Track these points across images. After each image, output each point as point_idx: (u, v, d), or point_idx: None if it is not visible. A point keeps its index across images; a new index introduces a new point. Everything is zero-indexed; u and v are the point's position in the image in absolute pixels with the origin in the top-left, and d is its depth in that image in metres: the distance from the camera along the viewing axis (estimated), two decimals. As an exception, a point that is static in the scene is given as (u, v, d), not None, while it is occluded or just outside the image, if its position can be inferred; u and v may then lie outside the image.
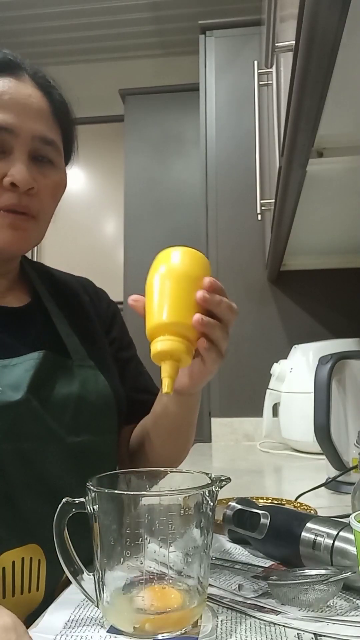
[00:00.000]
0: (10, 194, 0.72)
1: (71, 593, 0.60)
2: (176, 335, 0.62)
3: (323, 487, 1.07)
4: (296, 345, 1.80)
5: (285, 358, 1.83)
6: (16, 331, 0.78)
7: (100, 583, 0.52)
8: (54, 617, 0.55)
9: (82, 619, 0.55)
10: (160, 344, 0.62)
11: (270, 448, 1.81)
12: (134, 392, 0.91)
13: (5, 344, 0.75)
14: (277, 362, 1.85)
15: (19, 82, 0.75)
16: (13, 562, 0.65)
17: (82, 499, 0.53)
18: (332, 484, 1.09)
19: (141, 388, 0.94)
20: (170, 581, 0.52)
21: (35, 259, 3.02)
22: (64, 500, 0.53)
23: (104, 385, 0.80)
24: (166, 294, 0.64)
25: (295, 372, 1.73)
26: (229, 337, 0.68)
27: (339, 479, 1.08)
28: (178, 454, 0.90)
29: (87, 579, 0.54)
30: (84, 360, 0.80)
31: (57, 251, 3.06)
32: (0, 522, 0.66)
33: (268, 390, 1.84)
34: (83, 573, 0.54)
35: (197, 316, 0.63)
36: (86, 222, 3.28)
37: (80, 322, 0.87)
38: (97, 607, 0.53)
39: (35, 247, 3.36)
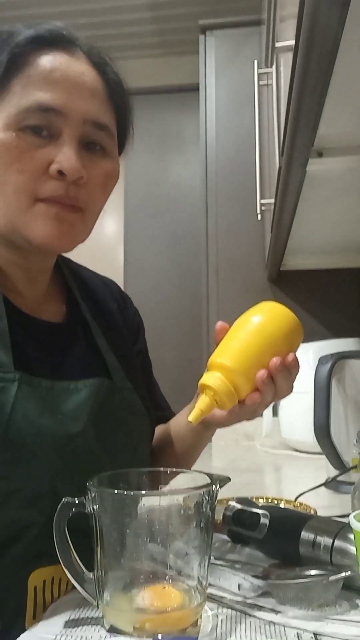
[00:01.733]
0: (57, 183, 0.64)
1: (71, 593, 0.60)
2: (231, 381, 0.64)
3: (323, 487, 1.07)
4: (296, 345, 1.80)
5: (285, 358, 1.82)
6: (60, 349, 0.73)
7: (100, 583, 0.52)
8: (54, 617, 0.55)
9: (82, 619, 0.54)
10: (213, 380, 0.63)
11: (270, 448, 1.81)
12: (153, 409, 0.89)
13: (53, 364, 0.70)
14: (277, 361, 1.85)
15: (72, 58, 0.67)
16: (44, 581, 0.62)
17: (82, 498, 0.52)
18: (332, 484, 1.09)
19: (157, 405, 0.92)
20: (170, 581, 0.52)
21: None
22: (63, 500, 0.52)
23: (142, 410, 0.77)
24: (246, 342, 0.66)
25: (295, 372, 1.72)
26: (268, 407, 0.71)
27: (339, 478, 1.08)
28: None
29: (88, 579, 0.53)
30: (123, 382, 0.76)
31: (57, 251, 3.03)
32: (44, 536, 0.61)
33: (268, 390, 1.83)
34: (84, 573, 0.53)
35: (264, 372, 0.64)
36: (86, 221, 3.27)
37: (113, 335, 0.82)
38: (97, 607, 0.53)
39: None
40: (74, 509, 0.52)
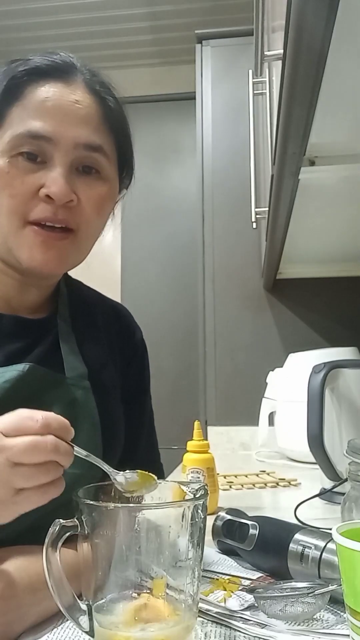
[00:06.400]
0: (46, 206, 0.67)
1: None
2: None
3: (317, 498, 1.06)
4: (292, 354, 1.79)
5: (281, 366, 1.82)
6: (24, 343, 0.73)
7: (91, 604, 0.50)
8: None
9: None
10: None
11: (266, 457, 1.80)
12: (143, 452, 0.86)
13: (7, 354, 0.70)
14: (272, 370, 1.85)
15: (67, 88, 0.69)
16: None
17: (74, 520, 0.49)
18: (327, 495, 1.08)
19: (141, 461, 0.85)
20: (161, 595, 0.51)
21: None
22: (58, 522, 0.49)
23: (93, 407, 0.74)
24: None
25: (291, 381, 1.72)
26: None
27: (334, 489, 1.07)
28: None
29: (80, 608, 0.50)
30: (79, 380, 0.74)
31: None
32: None
33: (264, 399, 1.83)
34: (75, 602, 0.50)
35: None
36: (84, 230, 3.28)
37: (92, 346, 0.81)
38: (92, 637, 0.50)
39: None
40: (68, 532, 0.49)
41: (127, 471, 0.57)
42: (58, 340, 0.76)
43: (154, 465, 0.92)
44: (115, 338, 0.88)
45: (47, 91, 0.68)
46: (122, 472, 0.57)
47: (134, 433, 0.86)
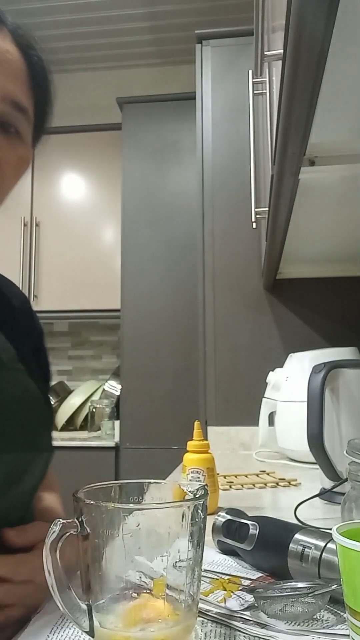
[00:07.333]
0: None
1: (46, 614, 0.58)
2: None
3: (317, 498, 1.06)
4: (292, 354, 1.79)
5: (281, 366, 1.82)
6: None
7: (91, 608, 0.50)
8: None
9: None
10: None
11: (266, 457, 1.80)
12: None
13: None
14: (272, 370, 1.85)
15: None
16: None
17: (74, 520, 0.50)
18: (327, 495, 1.08)
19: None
20: (161, 595, 0.51)
21: (32, 266, 3.00)
22: (58, 522, 0.49)
23: (36, 392, 0.69)
24: None
25: (291, 381, 1.72)
26: None
27: (333, 489, 1.07)
28: None
29: (80, 608, 0.50)
30: (13, 362, 0.68)
31: (54, 258, 3.07)
32: None
33: (264, 399, 1.83)
34: (75, 602, 0.50)
35: None
36: (84, 229, 3.29)
37: (9, 328, 0.73)
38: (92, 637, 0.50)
39: (33, 255, 3.32)
40: (69, 531, 0.49)
41: None
42: None
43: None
44: (23, 322, 0.79)
45: None
46: None
47: None
